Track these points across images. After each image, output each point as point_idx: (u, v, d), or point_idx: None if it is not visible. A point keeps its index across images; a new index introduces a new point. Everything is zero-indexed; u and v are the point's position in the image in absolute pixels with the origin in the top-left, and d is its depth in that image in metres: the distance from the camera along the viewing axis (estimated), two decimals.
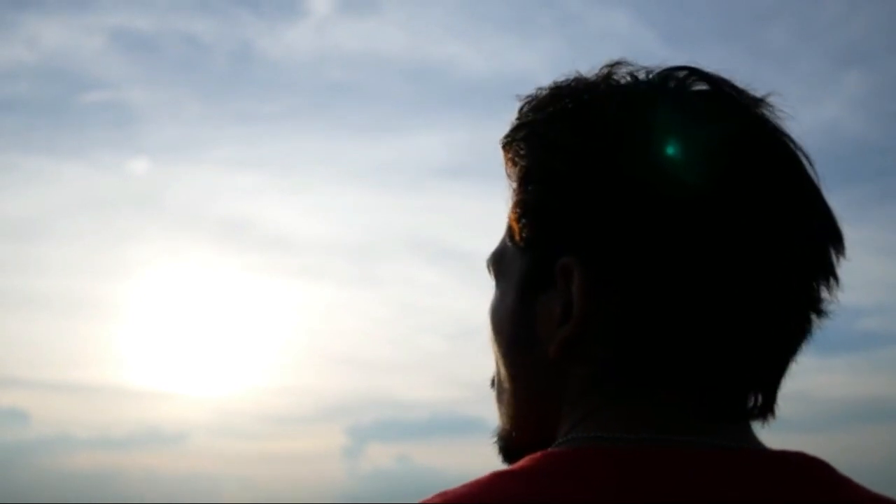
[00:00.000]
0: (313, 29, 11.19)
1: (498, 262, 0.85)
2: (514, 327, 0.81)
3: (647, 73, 0.81)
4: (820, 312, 0.80)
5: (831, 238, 0.80)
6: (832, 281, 0.80)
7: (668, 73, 0.80)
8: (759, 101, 0.81)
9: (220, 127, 11.98)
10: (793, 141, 0.80)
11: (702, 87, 0.80)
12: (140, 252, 12.25)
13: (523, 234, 0.80)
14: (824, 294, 0.80)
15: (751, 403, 0.79)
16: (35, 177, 12.13)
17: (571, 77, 0.81)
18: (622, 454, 0.72)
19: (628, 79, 0.81)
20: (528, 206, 0.79)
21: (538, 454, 0.74)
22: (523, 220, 0.79)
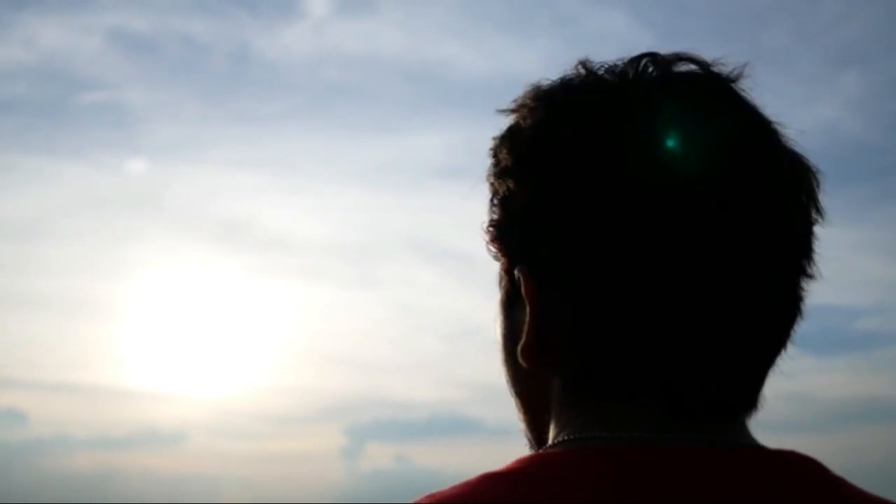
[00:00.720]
0: (311, 29, 11.19)
1: (498, 276, 0.87)
2: (504, 339, 0.84)
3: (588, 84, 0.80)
4: (799, 309, 0.80)
5: (806, 230, 0.80)
6: (810, 274, 0.80)
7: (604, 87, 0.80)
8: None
9: (218, 127, 11.98)
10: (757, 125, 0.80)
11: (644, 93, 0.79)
12: (139, 252, 12.25)
13: (491, 251, 0.84)
14: (804, 289, 0.80)
15: (733, 400, 0.78)
16: (34, 177, 12.13)
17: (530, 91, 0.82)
18: (608, 455, 0.73)
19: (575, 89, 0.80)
20: (491, 224, 0.83)
21: (526, 456, 0.75)
22: (488, 238, 0.84)
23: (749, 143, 0.78)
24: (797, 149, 0.82)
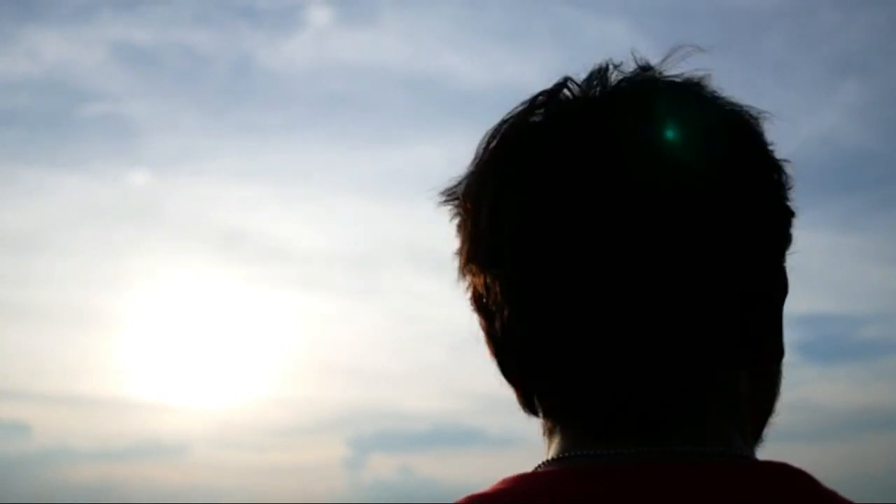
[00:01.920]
0: (312, 41, 11.20)
1: None
2: None
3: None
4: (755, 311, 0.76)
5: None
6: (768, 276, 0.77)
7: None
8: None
9: (219, 138, 11.98)
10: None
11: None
12: (140, 263, 12.25)
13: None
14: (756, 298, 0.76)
15: (672, 413, 0.74)
16: (35, 188, 12.13)
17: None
18: (582, 472, 0.73)
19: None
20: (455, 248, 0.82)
21: (510, 476, 0.76)
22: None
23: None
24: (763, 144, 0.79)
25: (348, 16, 11.00)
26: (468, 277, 0.79)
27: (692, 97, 0.79)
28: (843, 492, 0.76)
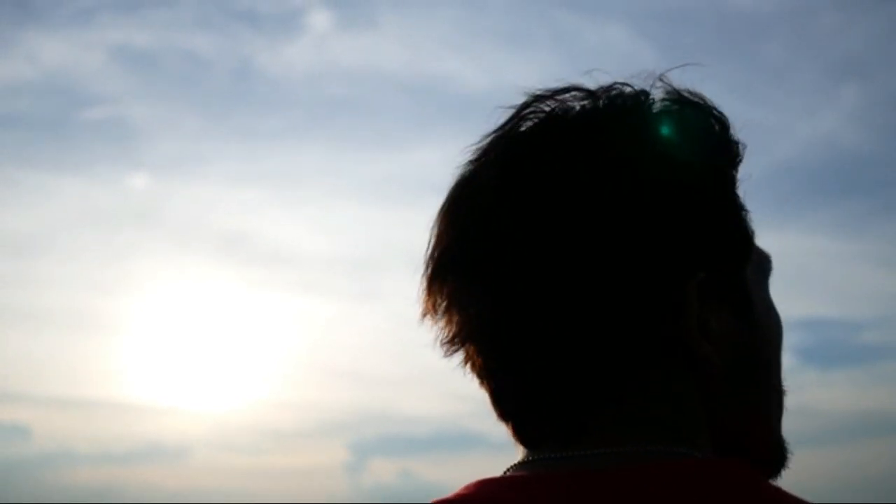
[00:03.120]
0: (312, 45, 11.21)
1: None
2: None
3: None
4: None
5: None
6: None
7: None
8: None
9: (220, 142, 11.99)
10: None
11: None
12: (141, 266, 12.24)
13: None
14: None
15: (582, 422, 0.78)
16: (36, 192, 12.13)
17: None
18: (518, 479, 0.79)
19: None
20: None
21: (472, 482, 0.81)
22: None
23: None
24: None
25: (348, 20, 11.02)
26: (427, 299, 0.84)
27: (637, 130, 0.80)
28: (843, 496, 0.76)
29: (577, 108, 0.81)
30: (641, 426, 0.77)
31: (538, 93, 0.83)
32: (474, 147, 0.84)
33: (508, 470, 0.81)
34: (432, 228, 0.83)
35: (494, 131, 0.83)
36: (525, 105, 0.83)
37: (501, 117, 0.83)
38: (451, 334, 0.82)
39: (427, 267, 0.83)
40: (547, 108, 0.82)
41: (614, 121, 0.80)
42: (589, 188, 0.77)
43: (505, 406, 0.82)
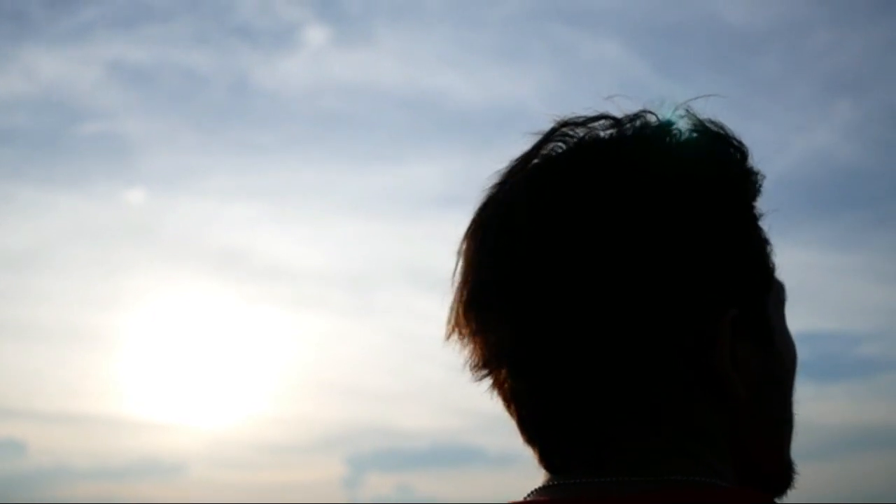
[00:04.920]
0: (308, 60, 11.23)
1: None
2: None
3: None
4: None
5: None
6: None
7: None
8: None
9: (216, 157, 12.01)
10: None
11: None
12: (137, 282, 12.24)
13: None
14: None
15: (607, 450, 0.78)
16: (32, 207, 12.12)
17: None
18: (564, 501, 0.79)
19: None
20: None
21: None
22: None
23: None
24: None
25: (344, 35, 11.04)
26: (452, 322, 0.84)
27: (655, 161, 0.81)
28: None
29: (605, 136, 0.82)
30: (669, 455, 0.78)
31: (566, 119, 0.83)
32: (502, 170, 0.84)
33: (530, 494, 0.81)
34: (462, 251, 0.84)
35: (524, 155, 0.83)
36: (553, 130, 0.83)
37: (529, 142, 0.84)
38: (481, 358, 0.82)
39: (461, 293, 0.83)
40: (575, 135, 0.82)
41: (645, 150, 0.81)
42: (624, 219, 0.77)
43: (533, 430, 0.82)
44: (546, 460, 0.82)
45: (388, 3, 11.00)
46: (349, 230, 11.78)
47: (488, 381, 0.83)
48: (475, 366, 0.83)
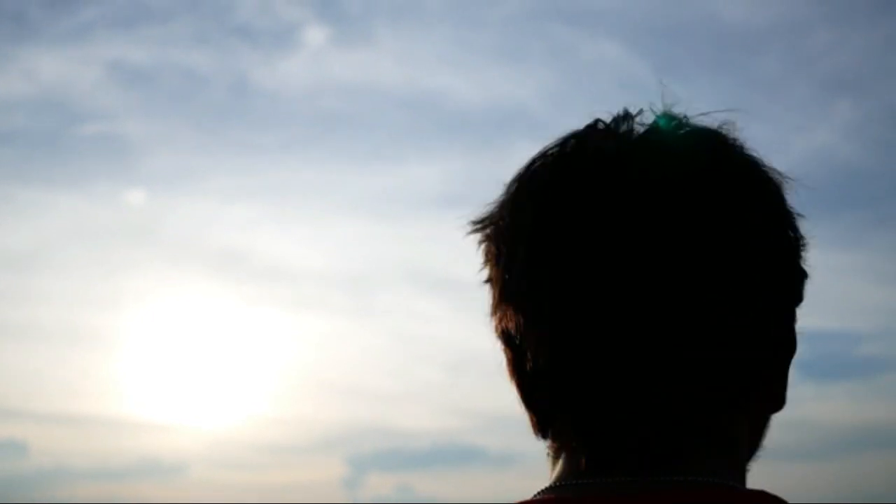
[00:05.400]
0: (308, 60, 11.22)
1: None
2: None
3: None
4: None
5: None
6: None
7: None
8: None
9: (216, 158, 11.99)
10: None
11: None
12: (137, 283, 12.23)
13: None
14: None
15: (663, 447, 0.77)
16: (31, 208, 12.12)
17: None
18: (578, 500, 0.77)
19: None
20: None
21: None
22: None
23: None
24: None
25: (344, 36, 11.03)
26: (500, 314, 0.81)
27: (718, 152, 0.80)
28: None
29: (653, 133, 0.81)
30: (689, 456, 0.77)
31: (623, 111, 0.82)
32: (550, 148, 0.81)
33: (539, 493, 0.80)
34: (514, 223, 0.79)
35: (568, 138, 0.81)
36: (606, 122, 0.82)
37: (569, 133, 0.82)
38: (535, 357, 0.79)
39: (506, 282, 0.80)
40: (637, 128, 0.81)
41: (710, 151, 0.81)
42: (698, 218, 0.76)
43: (586, 427, 0.78)
44: (589, 452, 0.78)
45: (388, 3, 11.00)
46: (349, 231, 11.79)
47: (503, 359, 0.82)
48: (518, 340, 0.79)
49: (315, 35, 11.05)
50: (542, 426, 0.81)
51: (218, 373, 12.13)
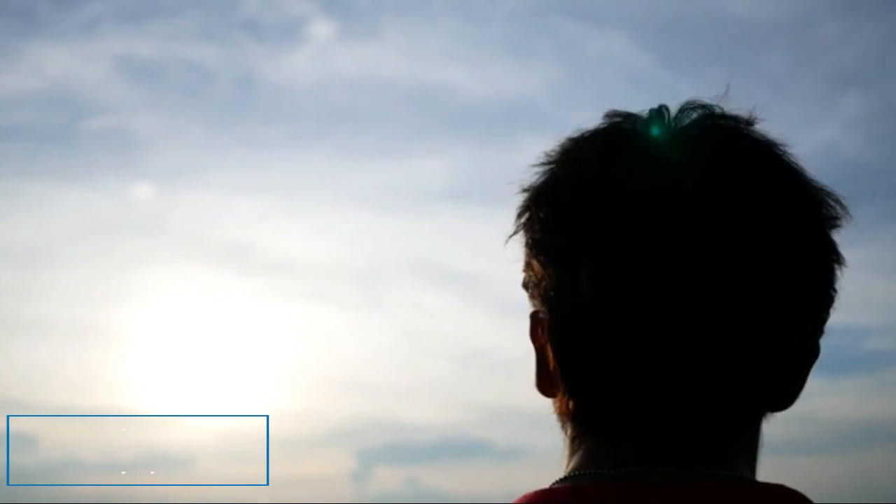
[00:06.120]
0: (315, 55, 11.21)
1: None
2: None
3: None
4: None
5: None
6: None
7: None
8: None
9: (223, 152, 11.98)
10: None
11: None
12: (145, 277, 12.23)
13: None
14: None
15: (709, 441, 0.79)
16: (38, 202, 12.13)
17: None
18: (599, 489, 0.77)
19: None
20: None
21: (532, 492, 0.79)
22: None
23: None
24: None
25: (350, 30, 11.02)
26: (534, 264, 0.81)
27: (770, 161, 0.82)
28: None
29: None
30: (732, 459, 0.80)
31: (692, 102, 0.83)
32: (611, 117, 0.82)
33: (558, 482, 0.81)
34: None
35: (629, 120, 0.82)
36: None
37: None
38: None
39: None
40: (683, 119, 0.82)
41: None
42: (760, 217, 0.77)
43: (627, 416, 0.79)
44: (624, 442, 0.79)
45: None
46: (356, 225, 11.78)
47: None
48: (555, 295, 0.79)
49: (321, 29, 11.04)
50: (568, 404, 0.81)
51: (225, 366, 12.14)
